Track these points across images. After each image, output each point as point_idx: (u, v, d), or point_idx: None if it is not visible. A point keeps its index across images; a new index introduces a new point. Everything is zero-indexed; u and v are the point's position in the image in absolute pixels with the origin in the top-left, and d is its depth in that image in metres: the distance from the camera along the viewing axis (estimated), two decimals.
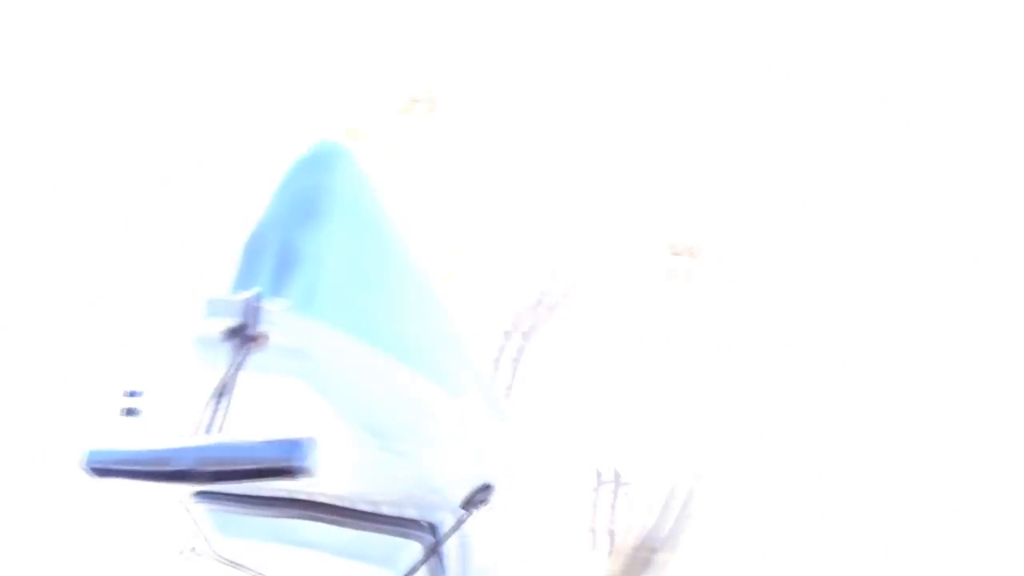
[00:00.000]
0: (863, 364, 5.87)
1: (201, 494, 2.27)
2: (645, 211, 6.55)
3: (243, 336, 1.90)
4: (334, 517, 2.26)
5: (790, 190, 6.13)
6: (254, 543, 2.31)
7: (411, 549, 2.34)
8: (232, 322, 1.90)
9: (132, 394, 2.13)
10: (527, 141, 7.61)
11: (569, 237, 7.35)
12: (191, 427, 1.90)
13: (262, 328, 1.91)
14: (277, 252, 1.95)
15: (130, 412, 2.13)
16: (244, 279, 1.95)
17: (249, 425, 1.91)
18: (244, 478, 1.81)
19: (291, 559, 2.33)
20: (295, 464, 1.79)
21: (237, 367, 1.89)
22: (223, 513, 2.28)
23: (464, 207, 8.03)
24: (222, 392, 1.91)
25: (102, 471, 1.87)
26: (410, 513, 2.29)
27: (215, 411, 1.90)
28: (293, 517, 2.26)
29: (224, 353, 1.92)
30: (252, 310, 1.91)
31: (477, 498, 2.29)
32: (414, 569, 2.32)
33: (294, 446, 1.81)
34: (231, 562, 2.31)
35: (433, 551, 2.34)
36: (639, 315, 6.38)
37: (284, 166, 2.00)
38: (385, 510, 2.29)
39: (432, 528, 2.34)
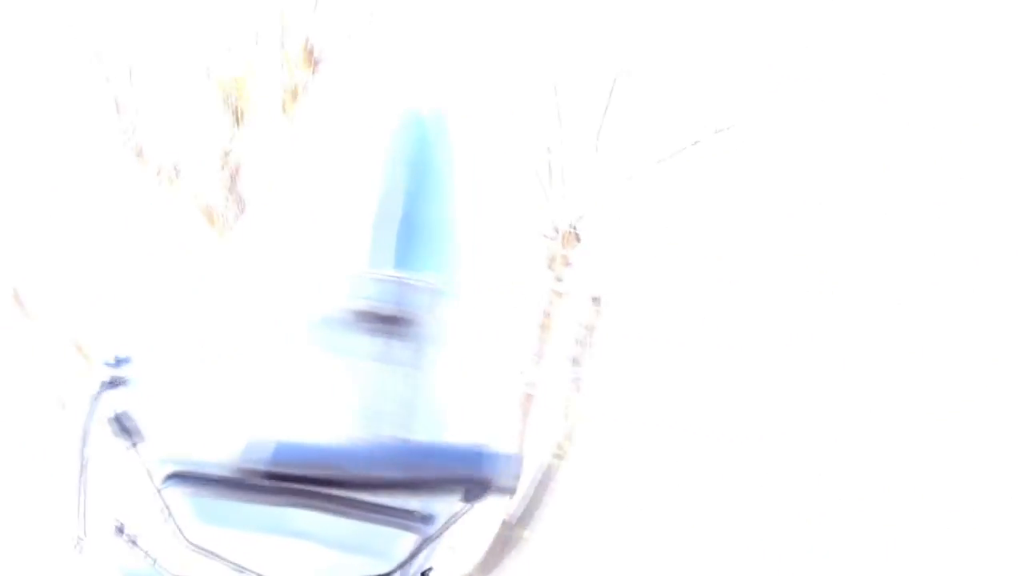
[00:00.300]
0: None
1: (178, 476, 2.03)
2: (531, 195, 6.42)
3: (392, 321, 1.67)
4: (332, 506, 2.06)
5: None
6: (237, 532, 2.07)
7: (404, 540, 2.18)
8: (376, 304, 1.67)
9: (118, 362, 1.87)
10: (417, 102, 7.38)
11: None
12: (342, 422, 1.68)
13: (411, 312, 1.68)
14: (408, 226, 1.72)
15: (115, 383, 1.87)
16: (379, 255, 1.70)
17: (408, 425, 1.69)
18: (434, 489, 1.62)
19: (276, 550, 2.11)
20: (498, 482, 1.62)
21: (396, 358, 1.66)
22: (204, 499, 2.04)
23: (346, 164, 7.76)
24: (381, 385, 1.68)
25: (275, 475, 1.64)
26: (412, 505, 2.11)
27: (374, 405, 1.67)
28: (289, 505, 2.05)
29: (355, 338, 1.68)
30: (409, 292, 1.68)
31: (476, 491, 2.13)
32: (407, 561, 2.17)
33: (496, 460, 1.63)
34: (205, 551, 2.07)
35: (428, 543, 2.18)
36: (511, 295, 6.27)
37: (387, 133, 1.76)
38: (384, 500, 2.10)
39: (427, 519, 2.18)
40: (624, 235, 6.08)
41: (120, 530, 2.25)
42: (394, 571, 2.18)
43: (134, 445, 1.95)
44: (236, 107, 7.36)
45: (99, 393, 2.01)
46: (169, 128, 7.36)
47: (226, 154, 7.29)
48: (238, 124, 7.38)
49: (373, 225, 1.68)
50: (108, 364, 1.89)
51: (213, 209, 7.24)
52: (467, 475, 1.66)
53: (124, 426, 1.92)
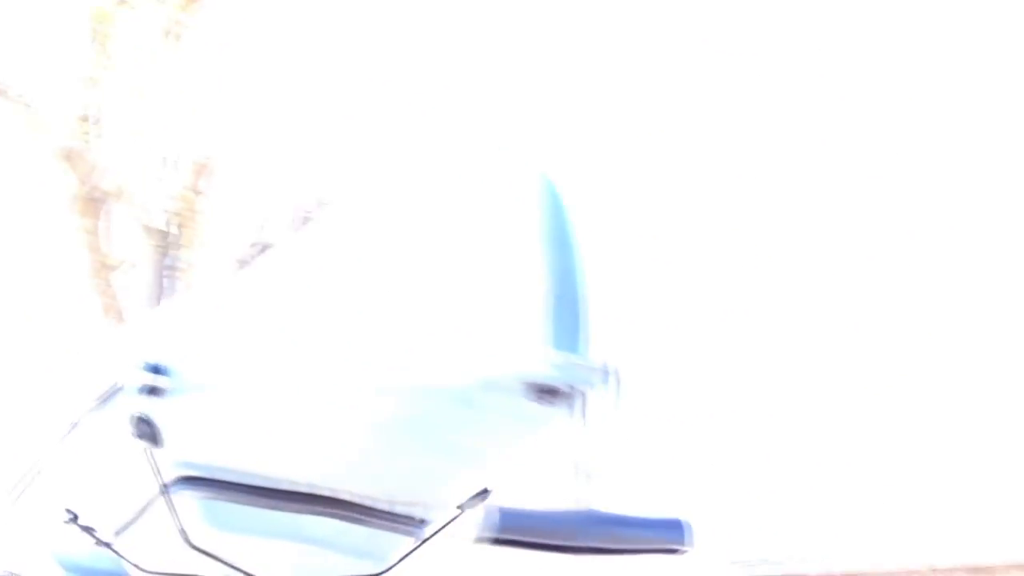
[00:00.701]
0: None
1: (190, 480, 2.00)
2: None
3: (560, 395, 1.70)
4: (347, 513, 2.08)
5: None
6: (245, 537, 2.06)
7: (403, 543, 2.23)
8: (547, 379, 1.69)
9: (156, 370, 1.82)
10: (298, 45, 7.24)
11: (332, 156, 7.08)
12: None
13: (576, 387, 1.71)
14: (574, 308, 1.75)
15: (152, 391, 1.83)
16: (557, 336, 1.72)
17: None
18: (628, 553, 1.76)
19: (279, 554, 2.11)
20: (684, 547, 1.76)
21: (566, 427, 1.70)
22: (216, 503, 2.02)
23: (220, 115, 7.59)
24: (580, 456, 1.72)
25: (501, 540, 1.66)
26: (417, 511, 2.16)
27: (577, 476, 1.71)
28: (308, 513, 2.05)
29: (529, 407, 1.70)
30: (574, 369, 1.70)
31: (474, 501, 2.22)
32: (401, 560, 2.23)
33: (685, 529, 1.76)
34: (209, 554, 2.06)
35: (422, 545, 2.24)
36: None
37: (536, 209, 1.75)
38: (382, 506, 2.15)
39: (424, 523, 2.24)
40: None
41: (73, 520, 2.21)
42: (386, 571, 2.22)
43: (151, 447, 1.92)
44: (102, 40, 7.07)
45: (112, 395, 1.96)
46: (28, 57, 7.03)
47: (88, 87, 7.01)
48: (102, 57, 7.09)
49: (544, 300, 1.70)
50: (143, 369, 1.84)
51: (72, 149, 6.97)
52: (671, 547, 1.80)
53: (147, 429, 1.88)
